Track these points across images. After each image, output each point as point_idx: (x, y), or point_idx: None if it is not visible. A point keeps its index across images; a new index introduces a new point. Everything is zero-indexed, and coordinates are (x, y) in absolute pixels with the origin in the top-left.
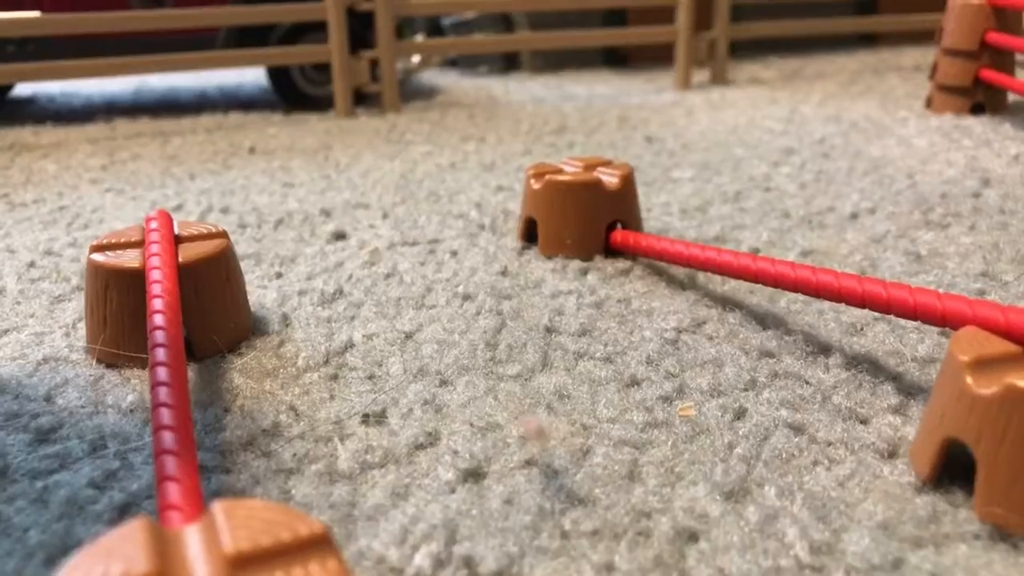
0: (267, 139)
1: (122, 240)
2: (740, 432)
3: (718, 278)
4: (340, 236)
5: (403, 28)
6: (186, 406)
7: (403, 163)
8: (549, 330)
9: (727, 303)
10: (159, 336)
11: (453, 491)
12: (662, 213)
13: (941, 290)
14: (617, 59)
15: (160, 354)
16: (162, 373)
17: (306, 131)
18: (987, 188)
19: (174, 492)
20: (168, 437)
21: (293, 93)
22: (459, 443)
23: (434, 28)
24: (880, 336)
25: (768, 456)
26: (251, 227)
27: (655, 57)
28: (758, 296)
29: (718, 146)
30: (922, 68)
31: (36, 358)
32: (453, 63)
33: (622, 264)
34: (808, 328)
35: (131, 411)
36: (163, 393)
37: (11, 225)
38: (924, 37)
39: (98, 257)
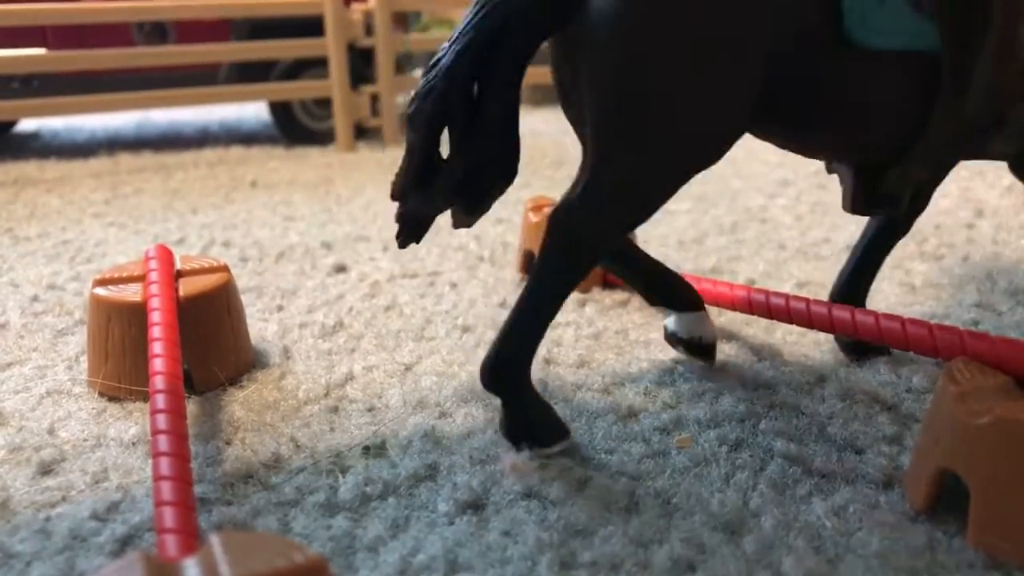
0: (269, 173)
1: (124, 275)
2: (737, 463)
3: (715, 309)
4: (341, 269)
5: (403, 63)
6: (183, 434)
7: None
8: (547, 361)
9: (724, 334)
10: (157, 365)
11: (452, 523)
12: (659, 245)
13: (935, 321)
14: None
15: (157, 382)
16: (160, 400)
17: (307, 165)
18: (980, 219)
19: (172, 522)
20: (165, 462)
21: (294, 127)
22: (458, 475)
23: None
24: (876, 366)
25: (765, 486)
26: (252, 260)
27: None
28: (754, 327)
29: (715, 178)
30: None
31: (39, 391)
32: None
33: (620, 296)
34: (804, 359)
35: (133, 444)
36: (161, 420)
37: (15, 259)
38: None
39: (100, 291)
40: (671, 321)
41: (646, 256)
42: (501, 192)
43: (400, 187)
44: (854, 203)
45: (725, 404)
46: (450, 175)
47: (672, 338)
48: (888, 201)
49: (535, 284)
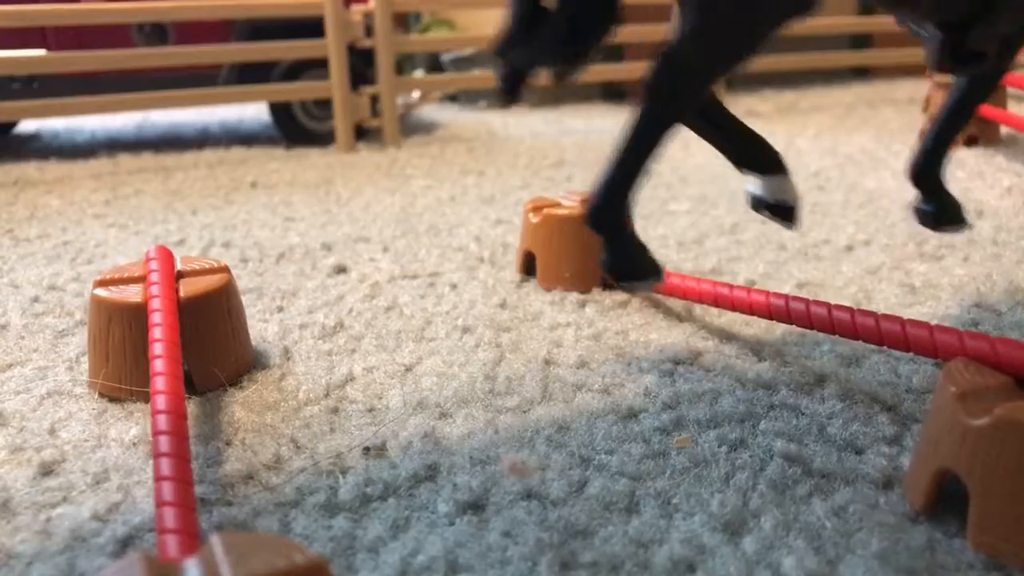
0: (269, 174)
1: (125, 275)
2: (737, 463)
3: (715, 310)
4: (341, 270)
5: (403, 64)
6: (184, 435)
7: (403, 197)
8: (547, 362)
9: (724, 335)
10: (158, 366)
11: (452, 523)
12: (659, 246)
13: (935, 321)
14: (615, 93)
15: (158, 383)
16: (160, 401)
17: (307, 166)
18: (981, 220)
19: (172, 522)
20: (166, 463)
21: (295, 128)
22: (458, 475)
23: (434, 64)
24: (875, 367)
25: (765, 487)
26: (253, 261)
27: None
28: (754, 328)
29: (715, 179)
30: (916, 101)
31: (40, 392)
32: (453, 98)
33: (619, 297)
34: (804, 359)
35: (134, 445)
36: (162, 421)
37: (15, 260)
38: (917, 70)
39: (101, 292)
40: (755, 185)
41: (735, 119)
42: (603, 38)
43: (503, 41)
44: (941, 60)
45: (725, 404)
46: (554, 24)
47: (756, 202)
48: (975, 57)
49: (637, 125)
